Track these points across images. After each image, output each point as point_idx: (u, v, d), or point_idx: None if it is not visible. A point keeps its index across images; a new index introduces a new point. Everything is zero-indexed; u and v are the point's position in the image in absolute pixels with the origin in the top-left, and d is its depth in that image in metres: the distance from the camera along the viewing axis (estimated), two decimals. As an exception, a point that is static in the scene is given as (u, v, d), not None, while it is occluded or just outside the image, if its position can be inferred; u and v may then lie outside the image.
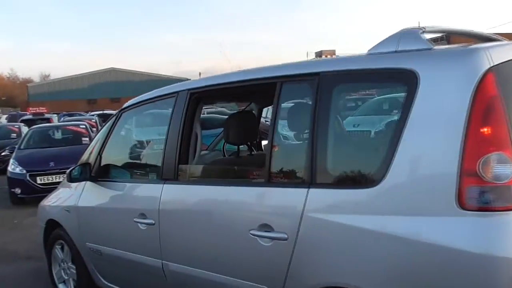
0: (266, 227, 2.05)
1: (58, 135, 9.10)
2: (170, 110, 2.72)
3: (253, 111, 3.55)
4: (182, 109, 2.63)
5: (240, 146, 2.99)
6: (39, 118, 15.33)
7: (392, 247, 1.65)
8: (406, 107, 1.70)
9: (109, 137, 3.21)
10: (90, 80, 51.65)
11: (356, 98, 10.97)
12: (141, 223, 2.69)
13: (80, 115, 21.99)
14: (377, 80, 1.94)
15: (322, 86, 1.97)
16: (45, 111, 19.87)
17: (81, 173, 3.20)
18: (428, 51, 1.76)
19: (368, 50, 1.96)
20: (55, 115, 19.04)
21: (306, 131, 2.04)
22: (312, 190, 1.93)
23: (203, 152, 3.05)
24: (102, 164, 3.18)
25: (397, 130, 1.71)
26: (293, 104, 2.26)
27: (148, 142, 3.96)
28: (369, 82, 1.99)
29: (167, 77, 48.80)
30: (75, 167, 3.26)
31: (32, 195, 7.49)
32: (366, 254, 1.72)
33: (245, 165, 2.61)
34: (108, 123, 3.32)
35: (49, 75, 65.42)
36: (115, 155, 3.34)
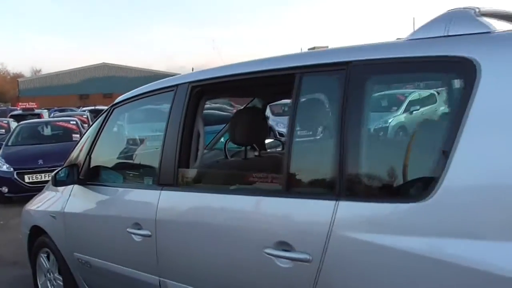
0: (284, 245, 1.73)
1: (47, 131, 8.73)
2: (168, 105, 2.40)
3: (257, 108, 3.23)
4: (182, 105, 2.31)
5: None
6: (29, 114, 14.91)
7: (452, 277, 1.34)
8: (463, 103, 1.38)
9: (100, 135, 2.88)
10: (82, 75, 51.01)
11: (392, 94, 10.32)
12: (135, 234, 2.37)
13: (72, 110, 21.54)
14: (421, 71, 1.62)
15: (353, 78, 1.66)
16: (35, 106, 19.36)
17: (68, 176, 2.86)
18: (489, 35, 1.44)
19: (408, 36, 1.65)
20: (46, 110, 18.56)
21: (331, 131, 1.73)
22: (342, 204, 1.61)
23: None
24: (91, 166, 2.85)
25: (451, 131, 1.39)
26: (305, 99, 1.93)
27: (143, 141, 3.61)
28: (411, 73, 1.67)
29: (161, 72, 48.15)
30: (61, 168, 2.92)
31: (20, 194, 7.17)
32: (412, 284, 1.41)
33: (255, 168, 2.29)
34: (98, 120, 2.99)
35: (40, 70, 64.59)
36: (106, 156, 3.01)
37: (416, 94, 10.84)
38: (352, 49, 1.76)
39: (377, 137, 1.85)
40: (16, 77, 58.35)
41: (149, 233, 2.29)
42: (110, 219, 2.58)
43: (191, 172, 2.29)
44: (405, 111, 10.38)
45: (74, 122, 9.19)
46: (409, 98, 10.65)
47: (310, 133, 2.02)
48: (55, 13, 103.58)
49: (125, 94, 2.83)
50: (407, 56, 1.58)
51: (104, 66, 52.47)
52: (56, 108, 25.05)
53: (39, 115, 14.70)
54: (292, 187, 1.81)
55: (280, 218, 1.81)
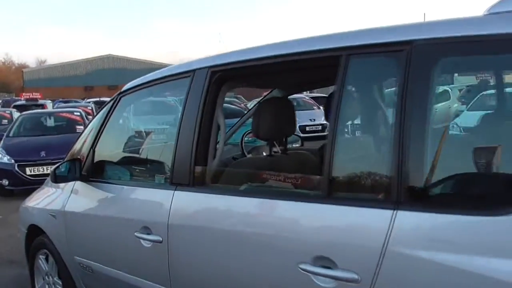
0: (324, 261, 1.44)
1: (50, 122, 8.44)
2: (184, 94, 2.10)
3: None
4: (200, 93, 2.01)
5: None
6: (33, 104, 14.60)
7: None
8: None
9: (105, 127, 2.59)
10: (87, 67, 50.68)
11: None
12: (144, 239, 2.08)
13: (76, 102, 21.26)
14: (507, 52, 1.31)
15: (416, 61, 1.36)
16: (39, 96, 19.10)
17: (69, 171, 2.57)
18: None
19: (487, 10, 1.34)
20: (50, 101, 18.28)
21: (387, 124, 1.44)
22: (401, 213, 1.32)
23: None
24: (95, 161, 2.56)
25: None
26: (353, 86, 1.63)
27: (153, 134, 3.31)
28: (492, 54, 1.37)
29: (167, 65, 47.68)
30: (62, 163, 2.63)
31: (21, 187, 6.91)
32: None
33: (283, 168, 2.00)
34: (104, 109, 2.69)
35: (45, 60, 64.39)
36: (112, 150, 2.72)
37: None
38: (415, 26, 1.45)
39: (444, 132, 1.54)
40: (21, 68, 58.10)
41: (160, 238, 2.01)
42: (116, 221, 2.29)
43: (210, 171, 2.00)
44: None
45: (78, 113, 8.91)
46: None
47: (358, 127, 1.72)
48: (61, 3, 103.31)
49: (134, 81, 2.54)
50: (489, 33, 1.27)
51: (109, 58, 52.13)
52: (60, 99, 24.79)
53: (42, 106, 14.44)
54: (336, 192, 1.51)
55: (320, 228, 1.52)
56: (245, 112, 11.56)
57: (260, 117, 2.13)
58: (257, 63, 1.86)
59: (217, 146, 2.09)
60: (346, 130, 1.61)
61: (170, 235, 1.98)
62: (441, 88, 10.09)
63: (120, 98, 2.58)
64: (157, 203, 2.11)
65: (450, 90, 9.68)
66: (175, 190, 2.02)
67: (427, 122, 1.36)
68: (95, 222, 2.45)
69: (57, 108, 13.67)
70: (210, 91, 2.00)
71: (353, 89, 1.62)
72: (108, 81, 46.03)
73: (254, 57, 1.87)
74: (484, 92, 9.06)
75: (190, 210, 1.99)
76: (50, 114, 8.86)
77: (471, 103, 9.51)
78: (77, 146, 2.81)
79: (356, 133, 1.71)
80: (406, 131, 1.36)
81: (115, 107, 2.59)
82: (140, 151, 2.88)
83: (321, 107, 14.82)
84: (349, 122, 1.64)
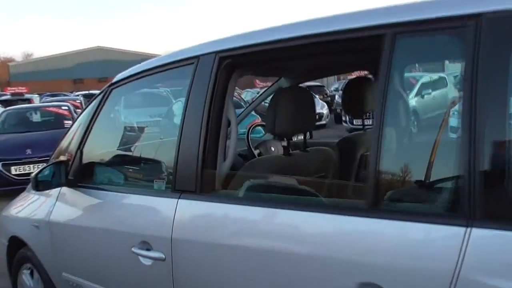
0: None
1: (36, 117, 8.01)
2: (186, 84, 1.78)
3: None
4: (206, 83, 1.69)
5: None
6: (19, 99, 14.09)
7: None
8: None
9: (94, 123, 2.24)
10: (76, 59, 49.80)
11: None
12: (143, 256, 1.76)
13: (65, 95, 20.74)
14: None
15: (489, 37, 1.07)
16: (26, 91, 18.56)
17: (53, 176, 2.23)
18: None
19: None
20: (37, 95, 17.74)
21: (452, 117, 1.14)
22: (476, 232, 1.03)
23: None
24: (83, 163, 2.22)
25: None
26: (401, 72, 1.32)
27: (150, 131, 2.95)
28: None
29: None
30: (45, 166, 2.29)
31: (6, 187, 6.46)
32: None
33: (306, 170, 1.69)
34: (92, 103, 2.35)
35: (32, 54, 63.24)
36: (103, 150, 2.38)
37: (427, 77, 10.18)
38: None
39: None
40: (6, 62, 56.97)
41: (163, 256, 1.70)
42: (109, 234, 1.97)
43: (221, 175, 1.68)
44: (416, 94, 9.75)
45: (66, 108, 8.48)
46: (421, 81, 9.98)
47: (410, 121, 1.41)
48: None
49: (127, 71, 2.19)
50: None
51: (99, 50, 51.29)
52: (48, 93, 24.20)
53: (29, 100, 13.94)
54: (385, 203, 1.21)
55: (365, 249, 1.21)
56: (240, 102, 11.24)
57: (278, 110, 1.79)
58: (279, 46, 1.53)
59: (228, 144, 1.77)
60: (395, 125, 1.30)
61: (174, 252, 1.67)
62: (437, 76, 9.87)
63: (111, 91, 2.24)
64: (157, 214, 1.79)
65: (446, 77, 9.42)
66: (179, 198, 1.70)
67: (506, 114, 1.06)
68: (84, 234, 2.12)
69: (44, 102, 13.23)
70: (218, 80, 1.67)
71: (402, 75, 1.31)
72: (98, 73, 45.30)
73: (276, 39, 1.53)
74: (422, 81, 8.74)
75: (198, 222, 1.67)
76: (35, 109, 8.41)
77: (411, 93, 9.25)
78: (63, 145, 2.47)
79: (412, 128, 1.40)
80: (480, 126, 1.06)
81: (105, 101, 2.25)
82: (136, 150, 2.55)
83: (317, 96, 14.52)
84: (399, 115, 1.32)
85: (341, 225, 1.28)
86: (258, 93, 15.42)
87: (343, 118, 11.17)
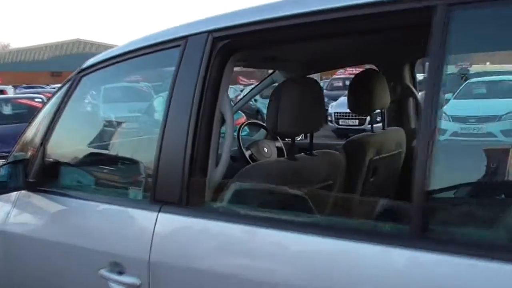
0: None
1: (7, 109, 7.56)
2: (170, 72, 1.45)
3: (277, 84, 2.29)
4: (196, 70, 1.37)
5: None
6: (-9, 90, 13.52)
7: None
8: None
9: (60, 116, 1.90)
10: (54, 52, 48.69)
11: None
12: (113, 281, 1.44)
13: (41, 87, 20.06)
14: None
15: None
16: (-1, 81, 17.83)
17: (10, 177, 1.88)
18: None
19: None
20: (12, 87, 17.03)
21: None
22: None
23: None
24: (46, 162, 1.87)
25: None
26: (457, 56, 1.03)
27: (126, 126, 2.60)
28: None
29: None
30: (1, 165, 1.93)
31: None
32: None
33: (312, 174, 1.39)
34: (58, 93, 2.00)
35: (8, 44, 61.45)
36: (69, 147, 2.04)
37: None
38: None
39: None
40: (-18, 52, 55.24)
41: (137, 281, 1.38)
42: (73, 251, 1.62)
43: (212, 183, 1.36)
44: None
45: (40, 100, 8.04)
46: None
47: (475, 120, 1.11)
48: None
49: (99, 55, 1.86)
50: None
51: (78, 42, 50.25)
52: (24, 85, 23.38)
53: (2, 92, 13.34)
54: (437, 229, 0.92)
55: None
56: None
57: (281, 105, 1.48)
58: (292, 22, 1.21)
59: (221, 145, 1.46)
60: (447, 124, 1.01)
61: (153, 278, 1.35)
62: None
63: (80, 78, 1.90)
64: (132, 229, 1.47)
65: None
66: (159, 211, 1.37)
67: None
68: (43, 250, 1.77)
69: (18, 93, 12.67)
70: (211, 66, 1.35)
71: (455, 60, 1.02)
72: (76, 66, 43.40)
73: (288, 14, 1.22)
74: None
75: (182, 242, 1.35)
76: (6, 101, 7.95)
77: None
78: (22, 142, 2.11)
79: (473, 129, 1.11)
80: None
81: (73, 90, 1.91)
82: (110, 149, 2.20)
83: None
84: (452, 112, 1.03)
85: (376, 256, 0.98)
86: (241, 91, 15.09)
87: (329, 118, 10.94)
